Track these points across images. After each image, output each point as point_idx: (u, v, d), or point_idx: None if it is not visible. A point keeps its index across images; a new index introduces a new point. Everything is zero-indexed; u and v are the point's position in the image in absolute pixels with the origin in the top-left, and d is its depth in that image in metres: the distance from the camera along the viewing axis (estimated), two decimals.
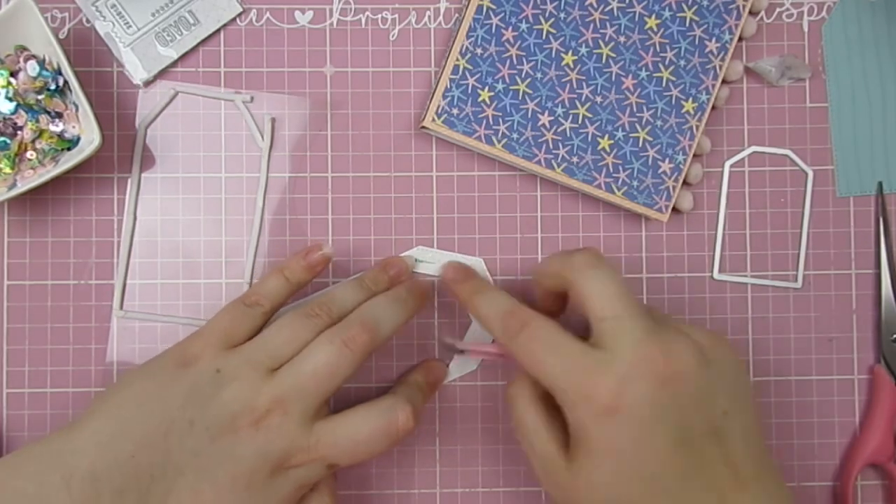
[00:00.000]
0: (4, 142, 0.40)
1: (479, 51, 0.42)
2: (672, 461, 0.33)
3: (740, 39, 0.44)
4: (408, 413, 0.37)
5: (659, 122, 0.43)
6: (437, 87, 0.42)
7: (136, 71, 0.44)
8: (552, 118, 0.43)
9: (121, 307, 0.44)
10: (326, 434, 0.36)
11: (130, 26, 0.44)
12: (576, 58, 0.43)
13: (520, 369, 0.37)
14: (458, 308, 0.44)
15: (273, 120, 0.44)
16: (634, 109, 0.43)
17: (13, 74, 0.41)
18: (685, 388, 0.33)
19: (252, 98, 0.44)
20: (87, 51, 0.44)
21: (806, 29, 0.46)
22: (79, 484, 0.33)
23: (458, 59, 0.42)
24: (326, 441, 0.36)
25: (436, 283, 0.44)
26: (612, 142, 0.43)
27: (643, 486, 0.33)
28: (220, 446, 0.34)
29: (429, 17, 0.45)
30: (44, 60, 0.41)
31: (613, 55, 0.43)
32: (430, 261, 0.44)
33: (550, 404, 0.36)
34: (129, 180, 0.44)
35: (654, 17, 0.43)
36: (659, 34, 0.43)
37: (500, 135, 0.42)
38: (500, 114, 0.42)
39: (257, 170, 0.44)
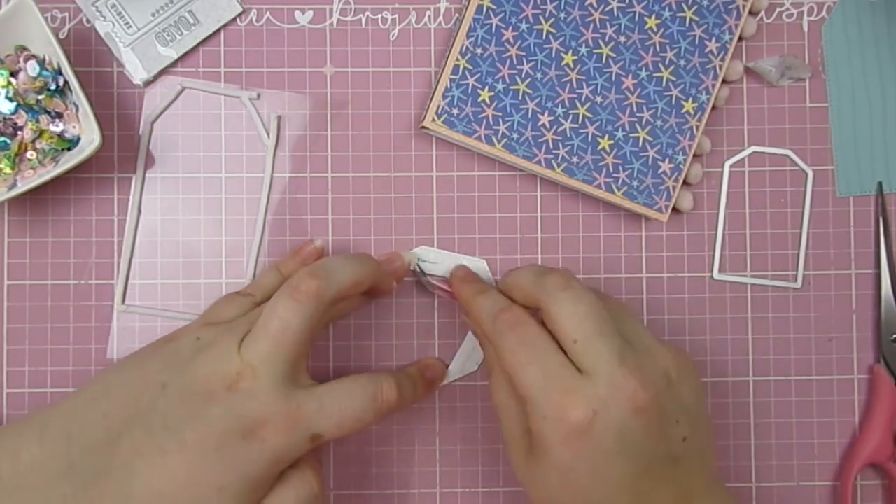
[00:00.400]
0: (4, 142, 0.40)
1: (479, 51, 0.42)
2: (626, 489, 0.33)
3: (740, 39, 0.44)
4: (391, 384, 0.36)
5: (659, 122, 0.43)
6: (437, 87, 0.42)
7: (136, 71, 0.44)
8: (552, 118, 0.43)
9: (122, 302, 0.44)
10: (309, 400, 0.35)
11: (130, 26, 0.44)
12: (576, 58, 0.43)
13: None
14: (458, 314, 0.45)
15: (279, 118, 0.44)
16: (634, 109, 0.43)
17: (13, 74, 0.41)
18: (653, 418, 0.33)
19: (259, 95, 0.44)
20: (87, 51, 0.44)
21: (806, 29, 0.46)
22: (50, 438, 0.34)
23: (458, 59, 0.42)
24: (309, 407, 0.35)
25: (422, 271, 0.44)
26: (612, 142, 0.43)
27: (588, 503, 0.34)
28: (190, 407, 0.34)
29: (429, 17, 0.45)
30: (44, 60, 0.41)
31: (613, 55, 0.43)
32: (434, 261, 0.44)
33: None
34: (134, 176, 0.44)
35: (654, 17, 0.43)
36: (659, 34, 0.43)
37: (500, 135, 0.42)
38: (501, 114, 0.42)
39: (258, 170, 0.44)
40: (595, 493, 0.33)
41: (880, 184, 0.45)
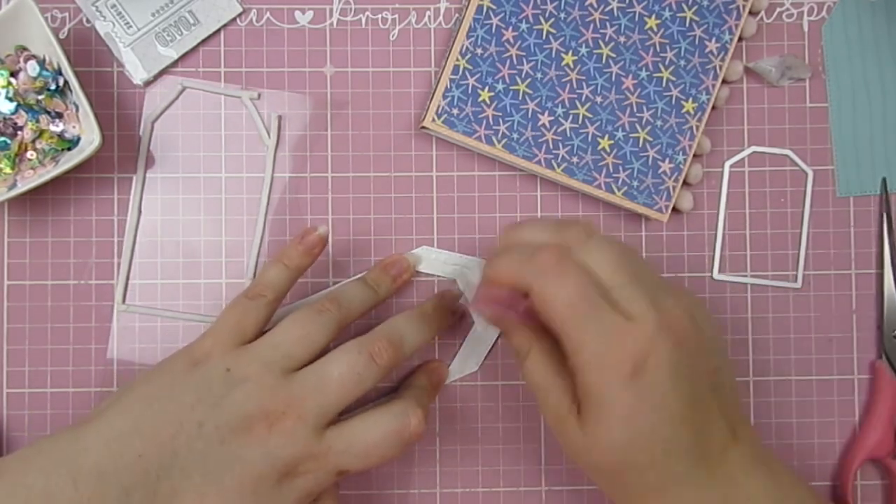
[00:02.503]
0: (5, 142, 0.40)
1: (479, 51, 0.42)
2: (685, 421, 0.34)
3: (740, 39, 0.44)
4: (419, 416, 0.37)
5: (659, 122, 0.43)
6: (437, 87, 0.42)
7: (137, 71, 0.44)
8: (552, 118, 0.43)
9: (123, 301, 0.44)
10: (338, 441, 0.35)
11: (130, 26, 0.44)
12: (576, 58, 0.43)
13: (525, 324, 0.36)
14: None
15: (280, 117, 0.44)
16: (634, 109, 0.43)
17: (13, 74, 0.41)
18: (692, 349, 0.34)
19: (259, 95, 0.44)
20: (87, 51, 0.44)
21: (806, 29, 0.46)
22: (85, 480, 0.33)
23: (458, 59, 0.42)
24: (338, 448, 0.35)
25: (463, 295, 0.44)
26: (612, 142, 0.43)
27: (659, 448, 0.33)
28: (230, 448, 0.34)
29: (429, 17, 0.45)
30: (44, 60, 0.41)
31: (613, 55, 0.43)
32: (435, 260, 0.44)
33: (557, 360, 0.36)
34: (134, 176, 0.44)
35: (654, 17, 0.43)
36: (659, 34, 0.43)
37: (500, 135, 0.42)
38: (501, 114, 0.42)
39: (258, 170, 0.44)
40: (660, 432, 0.33)
41: (884, 180, 0.45)
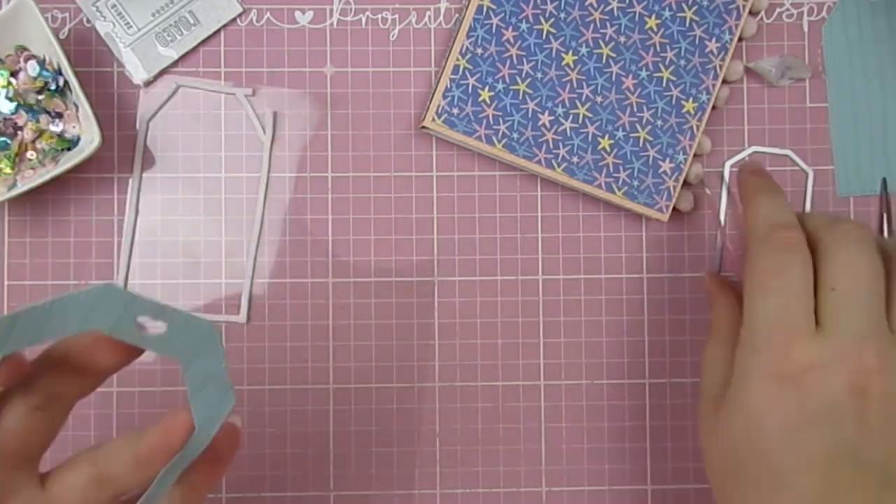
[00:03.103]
0: (5, 142, 0.40)
1: (479, 51, 0.42)
2: (817, 469, 0.29)
3: (740, 39, 0.44)
4: None
5: (659, 122, 0.43)
6: (437, 86, 0.42)
7: (137, 71, 0.44)
8: (552, 118, 0.43)
9: None
10: None
11: (131, 26, 0.44)
12: (576, 58, 0.43)
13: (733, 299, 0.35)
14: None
15: (275, 113, 0.44)
16: (635, 109, 0.43)
17: (13, 74, 0.41)
18: (874, 410, 0.29)
19: (254, 91, 0.44)
20: (87, 51, 0.44)
21: (806, 29, 0.46)
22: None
23: (458, 59, 0.42)
24: None
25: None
26: (612, 141, 0.43)
27: (769, 465, 0.30)
28: None
29: (429, 17, 0.45)
30: (44, 60, 0.41)
31: (614, 55, 0.43)
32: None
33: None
34: (131, 178, 0.44)
35: (654, 17, 0.43)
36: (659, 34, 0.43)
37: (500, 135, 0.42)
38: (501, 113, 0.42)
39: (257, 169, 0.44)
40: (778, 457, 0.29)
41: (884, 180, 0.45)
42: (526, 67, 0.42)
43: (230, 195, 0.44)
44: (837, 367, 0.29)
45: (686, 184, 0.44)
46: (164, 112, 0.44)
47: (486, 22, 0.42)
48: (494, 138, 0.42)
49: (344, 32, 0.45)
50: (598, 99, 0.43)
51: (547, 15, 0.42)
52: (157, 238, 0.44)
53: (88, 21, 0.44)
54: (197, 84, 0.44)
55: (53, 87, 0.41)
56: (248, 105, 0.43)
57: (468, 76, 0.42)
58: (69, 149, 0.42)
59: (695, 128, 0.43)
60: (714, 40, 0.43)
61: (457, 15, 0.45)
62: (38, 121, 0.41)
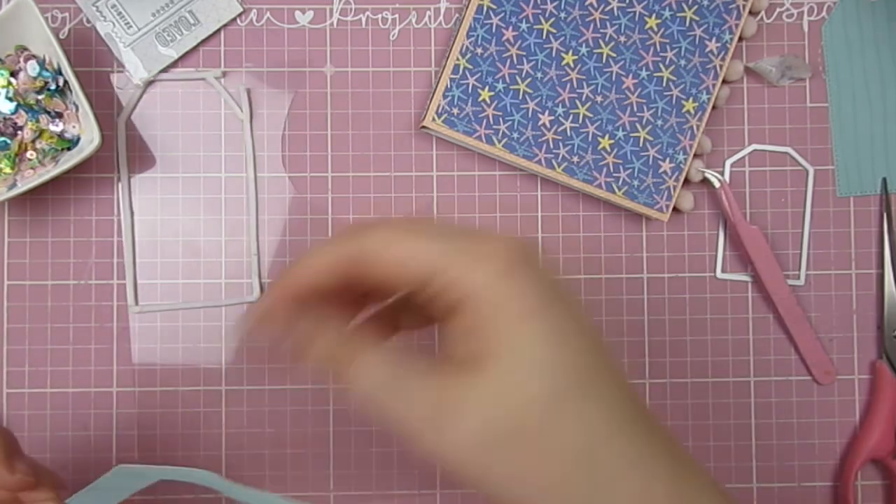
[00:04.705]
0: (5, 142, 0.40)
1: (479, 50, 0.42)
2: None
3: (740, 39, 0.44)
4: None
5: (659, 122, 0.43)
6: (437, 86, 0.42)
7: (137, 71, 0.44)
8: (552, 118, 0.43)
9: (136, 303, 0.44)
10: None
11: (131, 26, 0.44)
12: (576, 57, 0.43)
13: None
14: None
15: (248, 90, 0.44)
16: (635, 109, 0.43)
17: (13, 74, 0.41)
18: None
19: (224, 73, 0.44)
20: (87, 51, 0.44)
21: (806, 29, 0.46)
22: None
23: (458, 59, 0.42)
24: None
25: None
26: (612, 141, 0.43)
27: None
28: None
29: (429, 17, 0.45)
30: (44, 60, 0.41)
31: (614, 55, 0.43)
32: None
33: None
34: (119, 179, 0.44)
35: (654, 16, 0.43)
36: (659, 34, 0.43)
37: (500, 134, 0.42)
38: (501, 113, 0.42)
39: (257, 169, 0.44)
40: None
41: (884, 180, 0.45)
42: (526, 67, 0.42)
43: (230, 195, 0.44)
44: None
45: (686, 183, 0.44)
46: (163, 112, 0.44)
47: (486, 22, 0.42)
48: (494, 138, 0.42)
49: (344, 32, 0.45)
50: (599, 99, 0.43)
51: (547, 15, 0.42)
52: (157, 238, 0.44)
53: (88, 21, 0.44)
54: (167, 76, 0.43)
55: (53, 87, 0.41)
56: (221, 87, 0.43)
57: (468, 76, 0.42)
58: (69, 149, 0.42)
59: (695, 127, 0.43)
60: (714, 40, 0.43)
61: (457, 15, 0.45)
62: (37, 121, 0.41)
